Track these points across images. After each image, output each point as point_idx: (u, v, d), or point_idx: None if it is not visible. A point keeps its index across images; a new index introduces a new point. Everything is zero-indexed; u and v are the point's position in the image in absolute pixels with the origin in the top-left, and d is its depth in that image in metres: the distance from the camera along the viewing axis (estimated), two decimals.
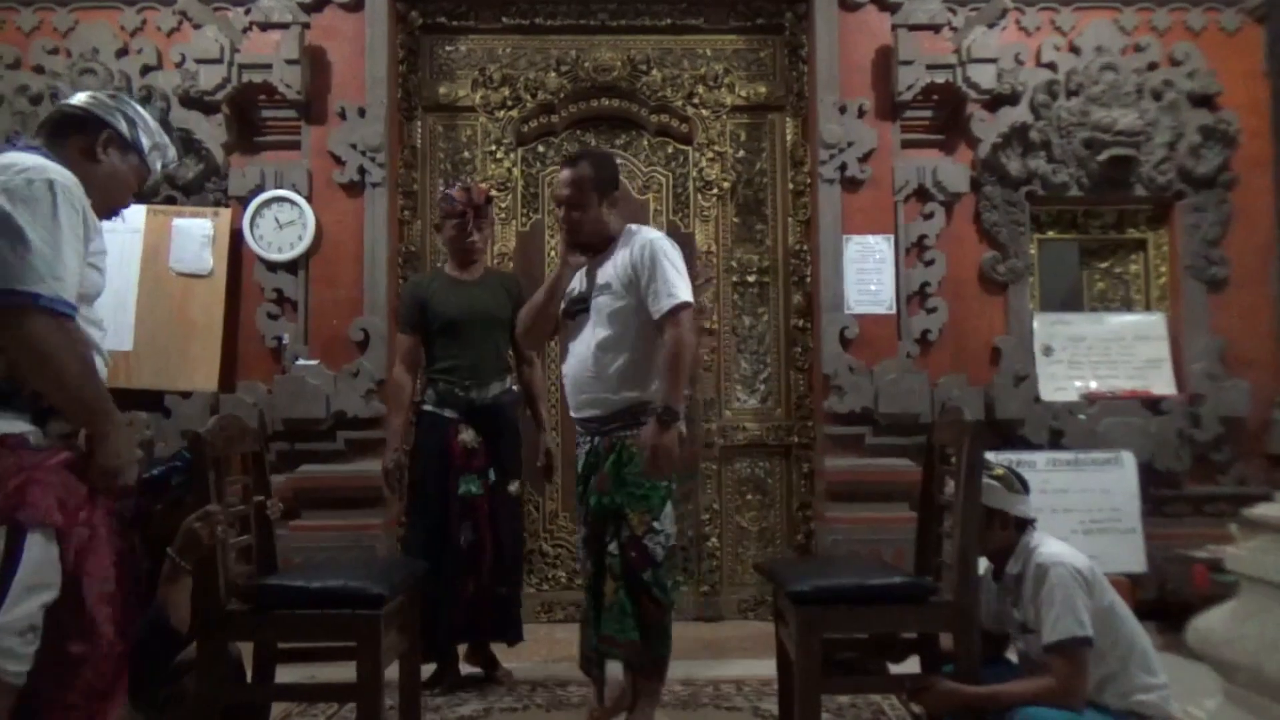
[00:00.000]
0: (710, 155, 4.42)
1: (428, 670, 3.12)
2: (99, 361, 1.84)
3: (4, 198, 1.68)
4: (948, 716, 2.35)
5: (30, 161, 1.75)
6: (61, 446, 1.75)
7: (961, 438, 2.28)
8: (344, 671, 2.23)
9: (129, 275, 4.02)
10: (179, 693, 2.23)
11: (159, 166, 2.05)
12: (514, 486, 3.40)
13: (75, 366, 1.71)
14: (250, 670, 2.43)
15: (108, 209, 1.97)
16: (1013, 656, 2.49)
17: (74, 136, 1.90)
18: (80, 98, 1.98)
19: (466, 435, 3.32)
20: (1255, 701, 1.13)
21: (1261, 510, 1.21)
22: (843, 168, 4.15)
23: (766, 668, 2.83)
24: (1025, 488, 2.37)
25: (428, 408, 3.39)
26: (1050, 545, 2.29)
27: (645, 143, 4.51)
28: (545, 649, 3.74)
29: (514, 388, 3.48)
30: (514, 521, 3.41)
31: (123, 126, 1.94)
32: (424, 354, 3.44)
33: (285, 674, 2.52)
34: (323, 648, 2.49)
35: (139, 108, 2.01)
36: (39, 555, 1.66)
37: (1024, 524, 2.34)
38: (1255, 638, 1.14)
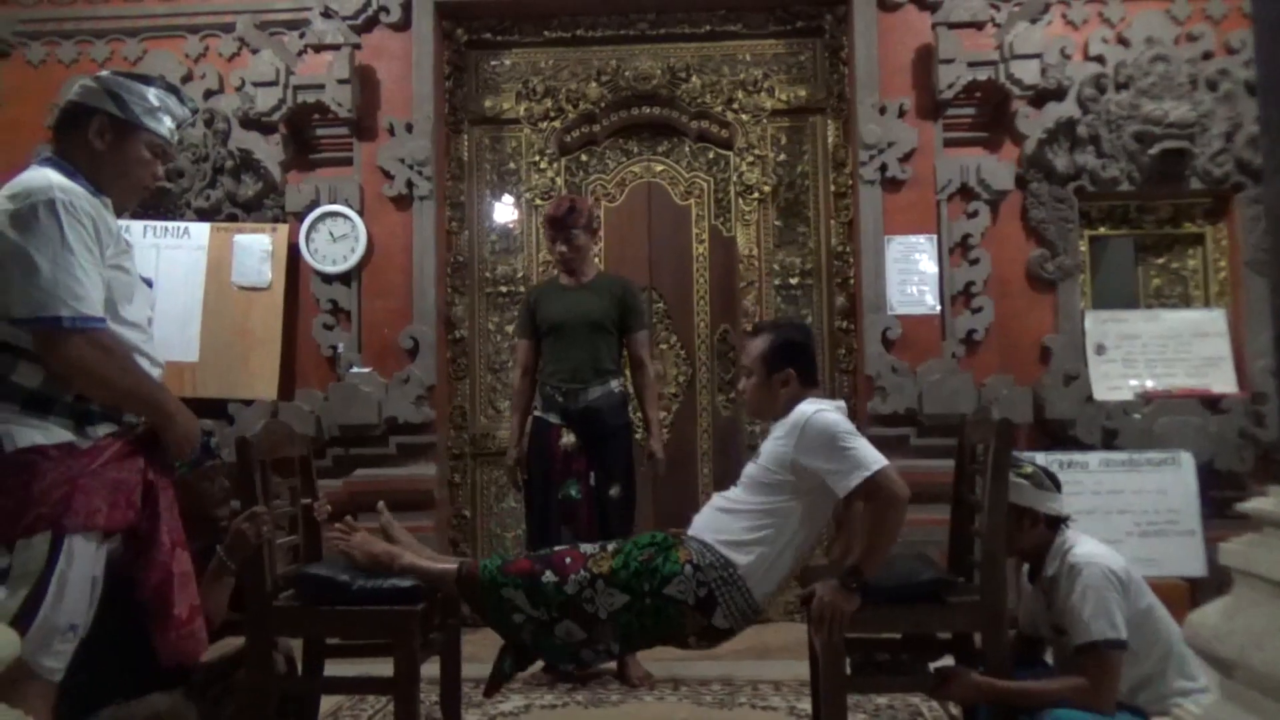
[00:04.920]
0: (751, 159, 4.44)
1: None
2: (144, 362, 1.89)
3: (14, 229, 1.71)
4: (982, 712, 2.34)
5: (36, 183, 1.76)
6: (111, 439, 1.83)
7: (988, 436, 2.27)
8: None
9: (194, 290, 4.23)
10: (231, 686, 2.35)
11: (169, 125, 1.96)
12: (614, 490, 3.38)
13: (117, 374, 1.80)
14: (300, 664, 2.54)
15: (135, 191, 1.96)
16: (1050, 659, 2.46)
17: (73, 132, 1.88)
18: (72, 90, 1.91)
19: (567, 439, 3.37)
20: (1250, 697, 1.11)
21: (1254, 504, 1.19)
22: (883, 168, 4.13)
23: (807, 668, 2.83)
24: (1056, 485, 2.34)
25: (536, 414, 3.50)
26: (1085, 545, 2.25)
27: (686, 149, 4.55)
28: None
29: (616, 390, 3.46)
30: (618, 525, 3.35)
31: (110, 106, 1.87)
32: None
33: (344, 669, 2.59)
34: (375, 644, 2.58)
35: (128, 80, 1.92)
36: (80, 557, 1.76)
37: (1055, 522, 2.31)
38: (1244, 632, 1.13)
